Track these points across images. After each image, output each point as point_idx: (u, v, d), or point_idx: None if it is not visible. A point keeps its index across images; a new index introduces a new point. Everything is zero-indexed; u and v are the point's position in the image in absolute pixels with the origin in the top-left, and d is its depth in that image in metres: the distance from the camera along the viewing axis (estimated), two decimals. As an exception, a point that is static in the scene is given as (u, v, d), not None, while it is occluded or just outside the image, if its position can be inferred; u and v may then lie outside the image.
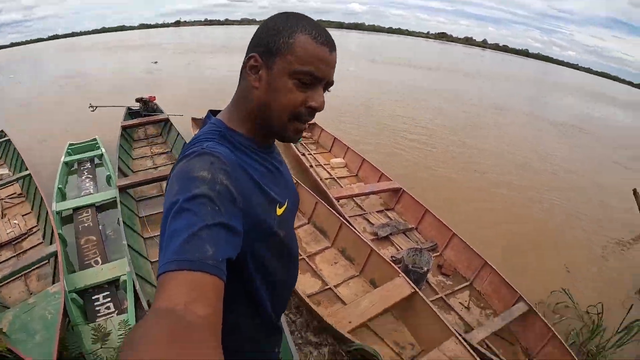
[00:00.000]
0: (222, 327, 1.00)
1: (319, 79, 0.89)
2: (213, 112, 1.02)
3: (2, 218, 5.01)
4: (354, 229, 4.15)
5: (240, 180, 0.85)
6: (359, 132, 9.56)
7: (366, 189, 5.20)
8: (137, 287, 3.26)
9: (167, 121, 7.36)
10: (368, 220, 4.96)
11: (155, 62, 22.03)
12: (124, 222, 4.12)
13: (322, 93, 0.93)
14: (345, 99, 12.77)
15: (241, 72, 0.94)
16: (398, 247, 4.44)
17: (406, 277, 3.47)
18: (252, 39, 0.91)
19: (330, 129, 7.67)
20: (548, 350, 3.24)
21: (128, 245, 3.73)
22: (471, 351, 2.81)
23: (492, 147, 9.60)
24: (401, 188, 5.30)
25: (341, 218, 4.31)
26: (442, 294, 3.85)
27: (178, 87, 13.63)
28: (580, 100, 25.13)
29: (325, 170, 6.43)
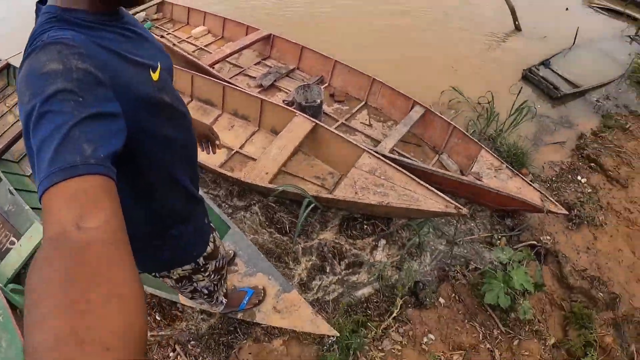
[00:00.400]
0: (144, 213, 0.96)
1: None
2: (42, 2, 0.85)
3: None
4: (238, 88, 3.95)
5: (100, 56, 0.75)
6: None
7: (236, 45, 4.86)
8: None
9: (8, 67, 6.15)
10: (249, 75, 4.72)
11: None
12: (16, 189, 3.60)
13: None
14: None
15: None
16: (286, 91, 4.34)
17: (303, 114, 3.45)
18: None
19: (180, 1, 6.92)
20: (453, 142, 3.53)
21: (32, 208, 3.32)
22: (385, 160, 2.95)
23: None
24: (271, 34, 5.02)
25: (222, 82, 4.07)
26: (342, 119, 3.92)
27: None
28: None
29: (190, 43, 5.87)
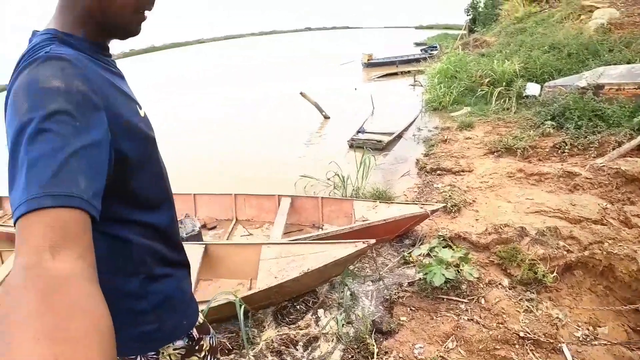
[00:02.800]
0: (124, 255, 0.95)
1: None
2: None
3: None
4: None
5: (97, 80, 0.76)
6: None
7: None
8: None
9: None
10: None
11: None
12: None
13: None
14: None
15: None
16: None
17: (189, 242, 3.41)
18: None
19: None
20: (328, 211, 4.04)
21: None
22: (284, 242, 3.09)
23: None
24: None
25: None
26: (222, 241, 3.97)
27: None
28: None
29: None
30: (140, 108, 0.94)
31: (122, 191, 0.87)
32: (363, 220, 3.36)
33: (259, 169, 6.10)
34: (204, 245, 3.29)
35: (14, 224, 0.54)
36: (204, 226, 4.26)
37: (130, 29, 0.90)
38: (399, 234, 3.50)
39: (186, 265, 1.20)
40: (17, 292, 0.46)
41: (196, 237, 3.64)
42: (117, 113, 0.78)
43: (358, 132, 6.41)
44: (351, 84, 11.35)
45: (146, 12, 0.91)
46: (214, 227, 4.23)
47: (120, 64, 0.99)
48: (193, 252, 3.25)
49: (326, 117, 8.27)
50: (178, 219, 3.96)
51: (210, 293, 3.25)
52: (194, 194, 4.48)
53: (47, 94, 0.63)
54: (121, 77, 0.96)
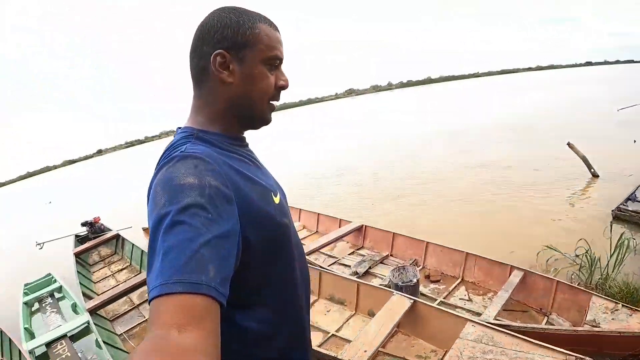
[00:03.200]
0: (249, 338, 0.95)
1: (281, 59, 0.94)
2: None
3: None
4: (334, 273, 4.08)
5: (229, 175, 0.82)
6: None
7: (330, 236, 5.18)
8: None
9: (117, 237, 7.15)
10: (344, 264, 4.89)
11: (50, 202, 21.90)
12: (104, 342, 3.83)
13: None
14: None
15: (199, 75, 0.92)
16: (381, 276, 4.38)
17: (401, 293, 3.41)
18: (199, 42, 0.90)
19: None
20: (560, 298, 3.27)
21: None
22: (490, 326, 2.76)
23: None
24: (363, 225, 5.34)
25: (318, 268, 4.24)
26: (440, 298, 3.80)
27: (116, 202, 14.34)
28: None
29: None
30: (276, 195, 0.98)
31: (246, 278, 0.89)
32: (592, 325, 2.74)
33: (499, 223, 5.57)
34: (412, 301, 3.26)
35: (149, 303, 0.60)
36: (427, 276, 4.19)
37: (265, 118, 0.98)
38: (634, 352, 2.70)
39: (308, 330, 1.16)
40: (143, 356, 0.51)
41: (412, 288, 3.62)
42: (249, 203, 0.83)
43: (628, 199, 5.01)
44: (631, 135, 9.05)
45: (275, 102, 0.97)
46: (437, 281, 4.11)
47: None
48: (400, 303, 3.27)
49: (595, 175, 6.77)
50: (404, 264, 4.05)
51: (402, 348, 3.21)
52: (427, 242, 4.44)
53: (182, 189, 0.70)
54: (257, 165, 1.02)
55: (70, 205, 17.79)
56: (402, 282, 3.69)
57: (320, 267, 4.33)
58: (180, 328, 0.55)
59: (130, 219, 8.02)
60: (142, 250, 6.20)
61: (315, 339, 3.52)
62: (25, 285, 6.36)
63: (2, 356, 4.69)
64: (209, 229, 0.67)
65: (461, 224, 5.82)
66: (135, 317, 4.82)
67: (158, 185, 0.74)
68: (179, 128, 0.96)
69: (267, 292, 0.97)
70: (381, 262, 4.71)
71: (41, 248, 6.99)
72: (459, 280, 4.02)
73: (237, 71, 0.89)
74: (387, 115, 34.01)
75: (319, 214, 6.31)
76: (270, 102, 0.95)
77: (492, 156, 9.89)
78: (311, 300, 3.87)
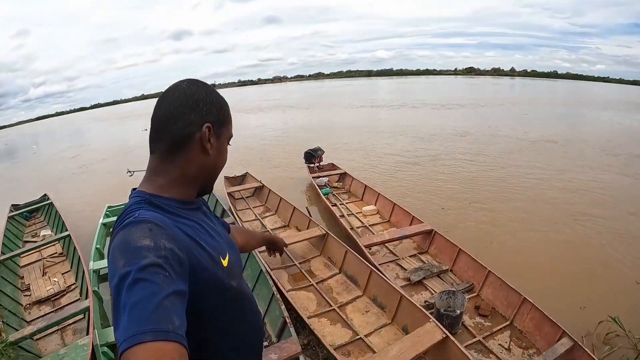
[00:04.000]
0: None
1: None
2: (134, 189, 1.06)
3: (43, 276, 5.36)
4: (383, 276, 4.12)
5: (181, 239, 0.88)
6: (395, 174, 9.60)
7: (397, 233, 5.17)
8: None
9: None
10: (401, 265, 4.89)
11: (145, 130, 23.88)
12: None
13: None
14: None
15: (181, 140, 0.98)
16: (432, 291, 4.32)
17: (437, 322, 3.37)
18: (185, 109, 0.97)
19: (362, 178, 7.81)
20: None
21: None
22: None
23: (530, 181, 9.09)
24: (433, 230, 5.23)
25: (371, 266, 4.30)
26: (480, 336, 3.68)
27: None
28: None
29: (358, 218, 6.46)
30: (225, 257, 1.06)
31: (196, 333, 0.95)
32: None
33: (584, 266, 5.00)
34: (444, 336, 3.23)
35: (119, 358, 0.64)
36: (477, 307, 4.05)
37: (212, 187, 1.13)
38: None
39: None
40: None
41: (453, 319, 3.57)
42: (200, 269, 0.90)
43: None
44: None
45: None
46: (485, 316, 3.96)
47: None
48: (432, 334, 3.27)
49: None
50: (456, 289, 3.95)
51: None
52: (488, 270, 4.23)
53: (140, 250, 0.75)
54: (206, 228, 1.06)
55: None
56: (444, 310, 3.65)
57: (373, 265, 4.38)
58: None
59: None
60: (223, 207, 6.59)
61: (343, 336, 3.65)
62: (108, 207, 7.03)
63: (71, 268, 5.38)
64: (169, 285, 0.73)
65: (537, 254, 5.43)
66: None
67: (116, 249, 0.79)
68: (134, 190, 1.02)
69: (213, 347, 1.03)
70: (438, 275, 4.63)
71: (131, 175, 7.28)
72: (508, 322, 3.83)
73: (214, 144, 1.02)
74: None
75: (394, 204, 6.28)
76: None
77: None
78: (355, 295, 4.00)
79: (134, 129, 26.58)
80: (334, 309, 4.06)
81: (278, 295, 3.87)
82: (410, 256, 5.10)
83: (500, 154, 11.49)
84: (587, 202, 7.41)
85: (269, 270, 4.40)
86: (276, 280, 4.25)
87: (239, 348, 1.12)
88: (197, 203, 1.10)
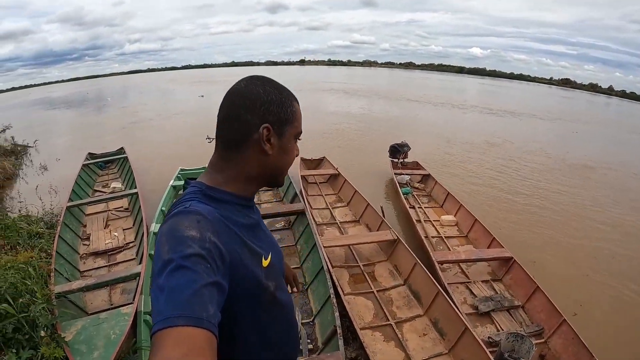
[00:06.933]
0: None
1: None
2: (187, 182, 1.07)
3: (105, 228, 5.65)
4: (450, 301, 3.94)
5: (225, 235, 0.89)
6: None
7: (473, 254, 4.94)
8: None
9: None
10: (471, 290, 4.67)
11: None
12: None
13: None
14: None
15: (239, 140, 0.98)
16: (499, 327, 4.10)
17: (498, 367, 3.19)
18: (242, 109, 0.96)
19: (445, 183, 7.49)
20: None
21: None
22: None
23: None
24: (512, 258, 4.91)
25: (439, 286, 4.14)
26: (540, 390, 3.46)
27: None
28: None
29: (434, 227, 6.22)
30: (267, 257, 1.06)
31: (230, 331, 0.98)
32: None
33: None
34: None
35: (151, 337, 0.66)
36: (542, 357, 3.78)
37: (282, 182, 1.11)
38: None
39: None
40: None
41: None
42: (239, 266, 0.92)
43: None
44: None
45: None
46: (543, 356, 3.69)
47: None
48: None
49: None
50: (525, 333, 3.70)
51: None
52: (564, 318, 3.89)
53: (185, 240, 0.78)
54: (254, 226, 1.08)
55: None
56: (508, 354, 3.44)
57: (441, 284, 4.22)
58: (182, 358, 0.61)
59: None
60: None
61: (394, 357, 3.57)
62: (181, 170, 7.17)
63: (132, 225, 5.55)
64: (209, 276, 0.75)
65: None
66: None
67: (163, 235, 0.82)
68: (190, 180, 1.04)
69: (243, 345, 1.03)
70: (508, 310, 4.36)
71: (210, 142, 7.09)
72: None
73: (275, 144, 0.99)
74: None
75: (476, 219, 5.94)
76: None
77: None
78: (416, 314, 3.87)
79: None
80: (390, 324, 3.99)
81: (334, 300, 3.77)
82: (482, 281, 4.86)
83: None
84: None
85: (330, 268, 4.39)
86: (335, 280, 4.22)
87: (270, 352, 1.12)
88: (252, 201, 1.11)
